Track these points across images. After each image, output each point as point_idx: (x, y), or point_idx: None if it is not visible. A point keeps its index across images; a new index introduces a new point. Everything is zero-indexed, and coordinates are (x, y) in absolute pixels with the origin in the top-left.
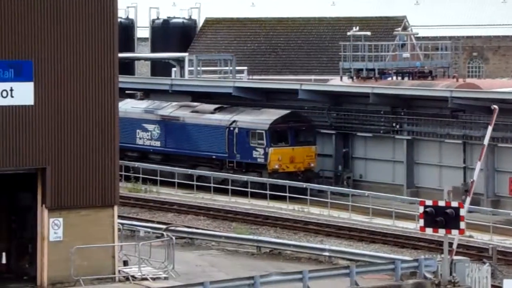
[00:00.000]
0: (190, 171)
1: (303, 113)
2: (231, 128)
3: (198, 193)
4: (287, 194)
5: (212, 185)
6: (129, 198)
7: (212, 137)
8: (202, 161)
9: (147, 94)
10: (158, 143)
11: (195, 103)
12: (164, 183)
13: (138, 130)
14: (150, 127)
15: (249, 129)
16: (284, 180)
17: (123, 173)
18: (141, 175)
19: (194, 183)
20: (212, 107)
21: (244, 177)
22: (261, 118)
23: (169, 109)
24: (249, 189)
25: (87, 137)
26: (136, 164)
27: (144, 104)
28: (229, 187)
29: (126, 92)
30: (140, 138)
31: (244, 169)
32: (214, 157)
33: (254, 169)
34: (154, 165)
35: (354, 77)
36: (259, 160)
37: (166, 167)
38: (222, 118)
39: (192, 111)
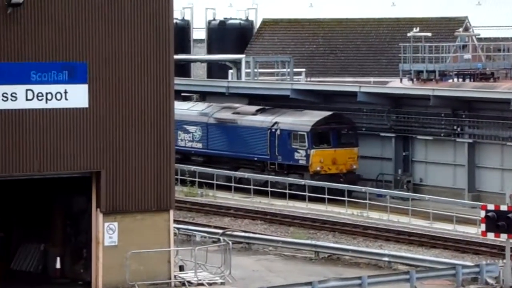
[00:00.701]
0: (236, 173)
1: (361, 115)
2: (273, 130)
3: (255, 197)
4: (346, 198)
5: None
6: (185, 202)
7: (254, 138)
8: (243, 163)
9: (203, 96)
10: (200, 145)
11: (237, 105)
12: (220, 187)
13: (179, 132)
14: (191, 128)
15: (290, 131)
16: (341, 184)
17: (178, 176)
18: (197, 179)
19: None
20: (253, 108)
21: (290, 179)
22: (303, 120)
23: (209, 109)
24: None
25: (142, 140)
26: (193, 167)
27: (185, 106)
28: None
29: (182, 94)
30: (181, 140)
31: (286, 171)
32: (256, 159)
33: (296, 171)
34: (210, 168)
35: (414, 79)
36: (300, 162)
37: (222, 170)
38: (264, 120)
39: (234, 113)
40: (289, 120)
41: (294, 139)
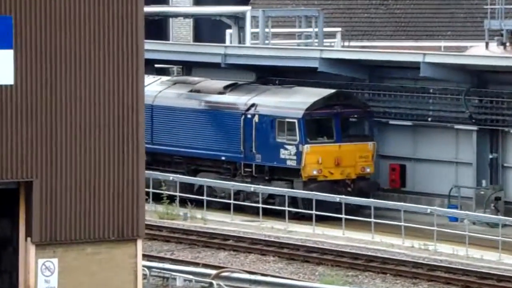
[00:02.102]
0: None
1: (425, 98)
2: (249, 116)
3: (266, 220)
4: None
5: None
6: (161, 229)
7: (221, 129)
8: (205, 165)
9: (188, 69)
10: None
11: (196, 79)
12: (211, 205)
13: None
14: None
15: (274, 117)
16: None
17: (151, 189)
18: (178, 193)
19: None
20: (220, 84)
21: (272, 188)
22: (293, 101)
23: (156, 87)
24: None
25: (96, 137)
26: (171, 176)
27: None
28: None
29: (156, 66)
30: None
31: (267, 177)
32: (223, 158)
33: (282, 176)
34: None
35: (507, 43)
36: (289, 163)
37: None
38: (236, 101)
39: (191, 91)
40: (272, 101)
41: (279, 129)
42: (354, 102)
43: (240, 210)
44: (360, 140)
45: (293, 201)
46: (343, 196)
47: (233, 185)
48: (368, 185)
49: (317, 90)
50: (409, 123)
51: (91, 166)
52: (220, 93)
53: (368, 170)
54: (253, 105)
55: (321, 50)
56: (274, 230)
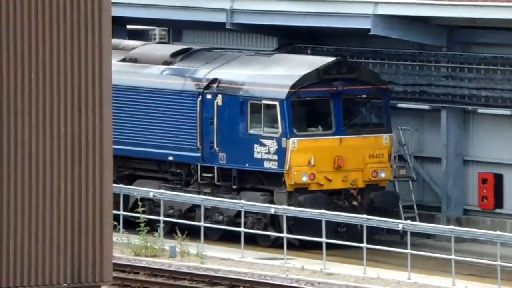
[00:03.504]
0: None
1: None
2: (208, 96)
3: (293, 257)
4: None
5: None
6: (137, 270)
7: (167, 116)
8: (144, 169)
9: (177, 32)
10: None
11: (132, 43)
12: (208, 237)
13: None
14: None
15: (246, 98)
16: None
17: (121, 212)
18: (162, 217)
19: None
20: (167, 50)
21: (243, 203)
22: (273, 75)
23: None
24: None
25: (40, 137)
26: (152, 193)
27: None
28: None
29: (129, 28)
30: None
31: (235, 185)
32: (171, 159)
33: (257, 183)
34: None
35: None
36: (267, 164)
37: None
38: (189, 75)
39: (124, 60)
40: (243, 74)
41: (253, 116)
42: (362, 75)
43: (251, 241)
44: (372, 131)
45: (272, 221)
46: (409, 222)
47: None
48: (383, 198)
49: (309, 59)
50: (508, 112)
51: (31, 180)
52: (166, 63)
53: (383, 175)
54: (214, 80)
55: (376, 2)
56: (306, 273)
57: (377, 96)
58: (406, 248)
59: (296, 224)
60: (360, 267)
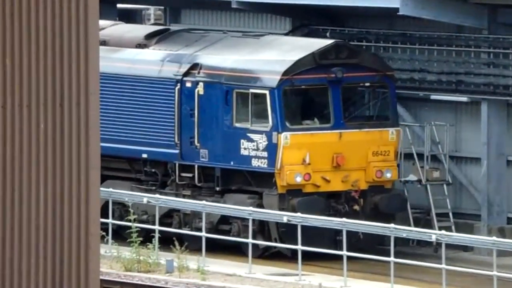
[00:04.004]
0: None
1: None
2: (188, 85)
3: (309, 272)
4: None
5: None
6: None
7: (141, 107)
8: (114, 168)
9: (175, 12)
10: None
11: (102, 22)
12: (214, 248)
13: None
14: None
15: (231, 87)
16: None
17: (110, 220)
18: (157, 227)
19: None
20: (141, 32)
21: (231, 207)
22: (263, 60)
23: None
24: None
25: (15, 136)
26: (145, 198)
27: None
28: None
29: (119, 7)
30: None
31: (219, 186)
32: (145, 156)
33: (244, 184)
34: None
35: None
36: (255, 162)
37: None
38: (166, 60)
39: None
40: (227, 60)
41: (240, 107)
42: (365, 60)
43: (237, 250)
44: (376, 125)
45: (261, 228)
46: (444, 232)
47: (203, 206)
48: (388, 202)
49: (304, 41)
50: None
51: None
52: (140, 46)
53: (388, 175)
54: (195, 66)
55: None
56: None
57: (382, 85)
58: (440, 263)
59: (288, 232)
60: (387, 284)
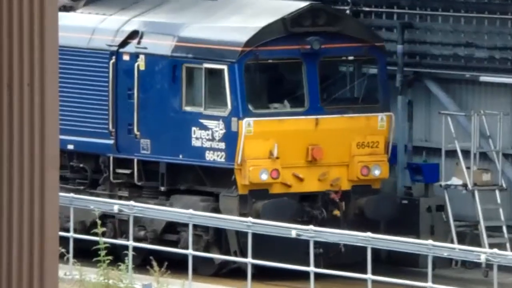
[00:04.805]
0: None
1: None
2: (125, 58)
3: None
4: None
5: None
6: None
7: (65, 86)
8: None
9: None
10: None
11: None
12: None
13: None
14: None
15: (180, 61)
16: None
17: (71, 234)
18: (131, 242)
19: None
20: None
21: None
22: (219, 26)
23: None
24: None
25: None
26: (116, 205)
27: None
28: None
29: None
30: None
31: (164, 186)
32: (71, 148)
33: (195, 183)
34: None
35: None
36: (210, 156)
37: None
38: (97, 27)
39: None
40: (175, 26)
41: (190, 86)
42: (348, 27)
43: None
44: (362, 109)
45: (217, 239)
46: (496, 251)
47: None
48: (377, 205)
49: (271, 4)
50: None
51: None
52: (65, 8)
53: (377, 172)
54: (134, 34)
55: None
56: None
57: (370, 58)
58: None
59: (254, 244)
60: None
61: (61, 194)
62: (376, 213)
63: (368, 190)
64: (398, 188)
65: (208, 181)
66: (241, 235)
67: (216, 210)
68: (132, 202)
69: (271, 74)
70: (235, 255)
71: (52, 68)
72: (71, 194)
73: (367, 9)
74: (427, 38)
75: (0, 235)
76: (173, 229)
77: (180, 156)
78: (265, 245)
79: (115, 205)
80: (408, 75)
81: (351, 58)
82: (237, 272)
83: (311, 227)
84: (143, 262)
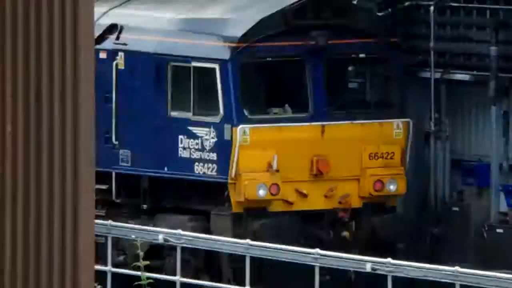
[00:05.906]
0: None
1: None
2: (102, 55)
3: None
4: None
5: None
6: None
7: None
8: None
9: None
10: None
11: None
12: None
13: None
14: None
15: (165, 59)
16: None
17: (109, 268)
18: (179, 277)
19: None
20: None
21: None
22: (210, 19)
23: None
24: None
25: None
26: (162, 234)
27: None
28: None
29: None
30: None
31: (147, 204)
32: None
33: (183, 201)
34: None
35: None
36: (200, 169)
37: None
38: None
39: None
40: (160, 19)
41: (177, 88)
42: (358, 20)
43: None
44: (375, 115)
45: (208, 263)
46: None
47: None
48: (391, 226)
49: None
50: None
51: None
52: None
53: (392, 187)
54: (112, 28)
55: None
56: None
57: (383, 57)
58: None
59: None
60: None
61: (98, 221)
62: (391, 235)
63: (382, 208)
64: (491, 215)
65: (197, 198)
66: (235, 260)
67: (207, 230)
68: (179, 231)
69: (270, 74)
70: (229, 283)
71: (88, 75)
72: (109, 221)
73: (455, 4)
74: None
75: (29, 267)
76: (154, 253)
77: (165, 169)
78: (264, 271)
79: (160, 233)
80: (503, 81)
81: (362, 55)
82: None
83: (317, 250)
84: None
